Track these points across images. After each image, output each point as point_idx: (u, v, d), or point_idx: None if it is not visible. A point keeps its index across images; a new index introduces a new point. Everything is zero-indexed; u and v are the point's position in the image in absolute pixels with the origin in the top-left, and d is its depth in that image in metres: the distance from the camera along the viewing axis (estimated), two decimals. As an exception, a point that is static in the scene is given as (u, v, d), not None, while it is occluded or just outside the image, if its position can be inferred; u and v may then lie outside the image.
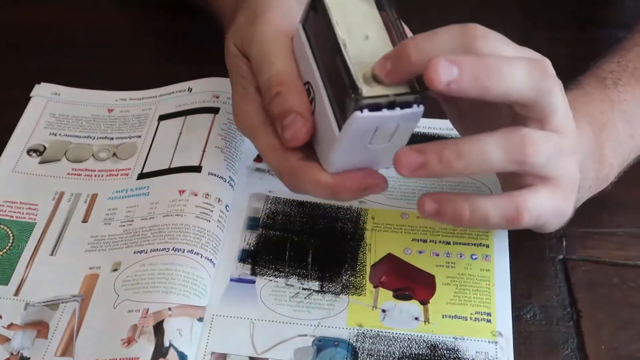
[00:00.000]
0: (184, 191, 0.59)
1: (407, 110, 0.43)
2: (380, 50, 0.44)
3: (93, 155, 0.64)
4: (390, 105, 0.42)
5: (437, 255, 0.57)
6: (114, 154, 0.64)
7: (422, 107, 0.43)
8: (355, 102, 0.42)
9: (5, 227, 0.59)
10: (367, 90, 0.42)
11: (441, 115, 0.64)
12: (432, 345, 0.52)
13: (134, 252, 0.56)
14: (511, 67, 0.42)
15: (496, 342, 0.52)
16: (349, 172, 0.46)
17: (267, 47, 0.48)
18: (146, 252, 0.56)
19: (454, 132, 0.64)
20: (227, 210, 0.59)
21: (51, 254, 0.57)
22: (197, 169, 0.60)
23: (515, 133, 0.44)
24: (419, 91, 0.43)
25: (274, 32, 0.49)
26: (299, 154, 0.47)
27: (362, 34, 0.44)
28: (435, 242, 0.58)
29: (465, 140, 0.43)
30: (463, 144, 0.43)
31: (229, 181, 0.60)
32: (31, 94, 0.68)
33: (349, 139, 0.44)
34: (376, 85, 0.43)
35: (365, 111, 0.42)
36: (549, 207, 0.46)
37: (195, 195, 0.58)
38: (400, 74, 0.42)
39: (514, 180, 0.48)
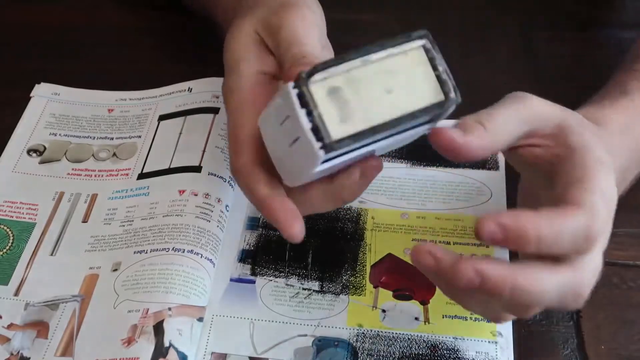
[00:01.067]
0: (184, 191, 0.59)
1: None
2: None
3: (93, 155, 0.64)
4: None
5: (437, 255, 0.57)
6: (114, 154, 0.64)
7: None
8: None
9: (5, 227, 0.59)
10: None
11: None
12: (432, 345, 0.52)
13: (134, 252, 0.56)
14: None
15: (496, 342, 0.52)
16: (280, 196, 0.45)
17: (299, 31, 0.47)
18: (146, 252, 0.56)
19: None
20: (227, 210, 0.59)
21: (51, 254, 0.57)
22: (197, 169, 0.60)
23: (573, 291, 0.42)
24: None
25: (303, 19, 0.48)
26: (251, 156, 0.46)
27: None
28: (435, 242, 0.58)
29: (527, 278, 0.41)
30: (523, 283, 0.40)
31: (229, 181, 0.60)
32: (31, 94, 0.68)
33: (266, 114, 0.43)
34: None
35: None
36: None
37: (195, 195, 0.58)
38: (505, 245, 0.40)
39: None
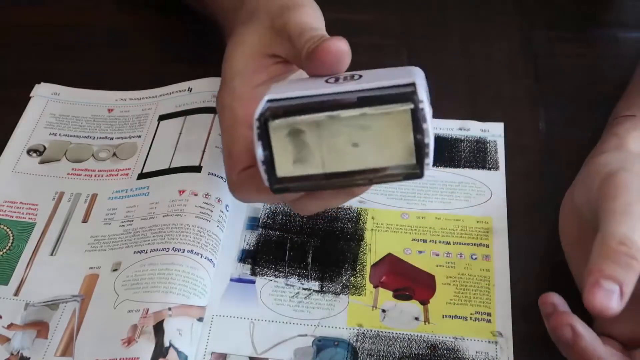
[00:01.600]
0: (184, 191, 0.59)
1: None
2: None
3: (93, 155, 0.64)
4: None
5: (437, 255, 0.57)
6: (114, 154, 0.64)
7: None
8: None
9: (5, 227, 0.59)
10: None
11: (444, 115, 0.64)
12: (432, 345, 0.52)
13: (134, 252, 0.56)
14: None
15: (496, 342, 0.52)
16: None
17: (306, 20, 0.48)
18: (146, 252, 0.56)
19: (452, 133, 0.64)
20: (227, 210, 0.59)
21: (51, 254, 0.57)
22: (197, 169, 0.60)
23: None
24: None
25: (307, 14, 0.48)
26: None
27: None
28: (435, 242, 0.58)
29: None
30: None
31: (229, 181, 0.60)
32: (31, 94, 0.68)
33: None
34: None
35: None
36: None
37: (195, 195, 0.58)
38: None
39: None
